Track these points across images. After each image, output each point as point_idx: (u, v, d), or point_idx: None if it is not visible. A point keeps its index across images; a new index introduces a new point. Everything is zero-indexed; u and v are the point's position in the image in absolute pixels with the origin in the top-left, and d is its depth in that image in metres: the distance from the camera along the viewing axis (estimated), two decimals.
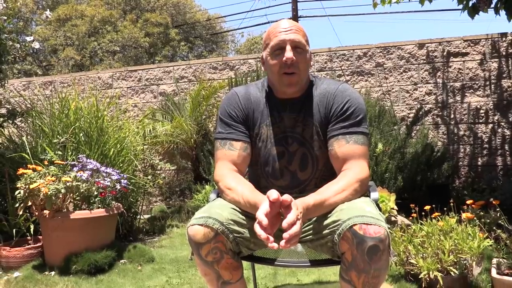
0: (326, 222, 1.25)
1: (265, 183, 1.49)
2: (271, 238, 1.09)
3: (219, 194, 1.43)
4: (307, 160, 1.43)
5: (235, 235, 1.27)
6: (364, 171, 1.33)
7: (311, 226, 1.34)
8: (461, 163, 4.39)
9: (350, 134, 1.36)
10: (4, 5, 3.10)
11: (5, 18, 3.17)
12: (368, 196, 1.41)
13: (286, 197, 1.13)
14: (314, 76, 1.50)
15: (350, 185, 1.28)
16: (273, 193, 1.14)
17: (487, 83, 4.32)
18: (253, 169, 1.51)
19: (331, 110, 1.40)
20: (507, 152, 4.27)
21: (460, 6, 3.10)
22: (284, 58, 1.34)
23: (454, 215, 2.32)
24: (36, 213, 2.60)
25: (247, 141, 1.44)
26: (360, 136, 1.36)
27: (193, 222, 1.25)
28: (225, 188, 1.36)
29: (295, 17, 12.51)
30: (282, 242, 1.08)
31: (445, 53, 4.42)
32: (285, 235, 1.08)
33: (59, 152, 3.03)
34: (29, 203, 2.56)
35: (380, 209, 1.35)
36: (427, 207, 2.40)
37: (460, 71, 4.39)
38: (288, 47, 1.34)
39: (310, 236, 1.34)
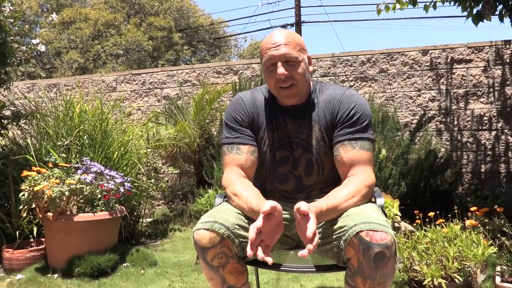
0: (332, 227, 1.25)
1: (271, 187, 1.49)
2: (260, 254, 1.09)
3: (227, 199, 1.43)
4: (313, 165, 1.43)
5: (241, 239, 1.27)
6: (371, 177, 1.33)
7: (318, 231, 1.34)
8: (464, 169, 4.39)
9: (356, 140, 1.36)
10: (11, 7, 3.13)
11: (12, 20, 3.19)
12: (374, 202, 1.41)
13: (304, 206, 1.11)
14: (318, 81, 1.50)
15: (359, 190, 1.28)
16: (266, 206, 1.12)
17: (491, 90, 4.32)
18: (258, 173, 1.51)
19: (337, 115, 1.40)
20: (511, 159, 4.26)
21: (465, 13, 3.11)
22: (277, 75, 1.34)
23: (458, 222, 2.32)
24: (40, 216, 2.61)
25: (254, 145, 1.44)
26: (366, 142, 1.36)
27: (198, 226, 1.25)
28: (232, 194, 1.36)
29: (298, 23, 12.54)
30: (304, 252, 1.06)
31: (448, 60, 4.43)
32: (309, 246, 1.06)
33: (63, 155, 3.04)
34: (33, 205, 2.56)
35: (386, 215, 1.35)
36: (431, 214, 2.39)
37: (464, 77, 4.39)
38: (279, 64, 1.34)
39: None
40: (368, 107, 1.42)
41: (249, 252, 1.08)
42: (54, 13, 3.82)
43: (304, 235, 1.09)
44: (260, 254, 1.09)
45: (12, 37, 3.30)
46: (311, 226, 1.08)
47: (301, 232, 1.13)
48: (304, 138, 1.43)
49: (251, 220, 1.31)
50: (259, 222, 1.11)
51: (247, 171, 1.42)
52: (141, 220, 3.71)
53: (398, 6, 3.38)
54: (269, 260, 1.10)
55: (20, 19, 3.40)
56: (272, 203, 1.13)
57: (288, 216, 1.40)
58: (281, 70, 1.34)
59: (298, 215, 1.13)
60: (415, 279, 2.10)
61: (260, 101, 1.48)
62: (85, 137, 3.23)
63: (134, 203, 3.47)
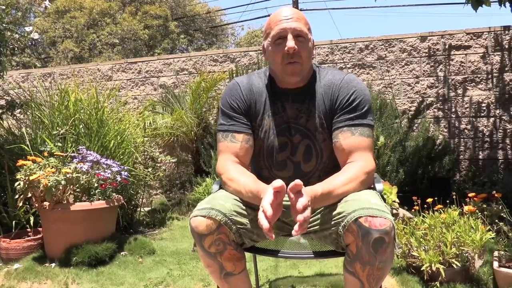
0: (331, 213, 1.24)
1: (268, 174, 1.47)
2: (273, 230, 1.09)
3: (222, 186, 1.42)
4: (311, 152, 1.41)
5: (238, 226, 1.26)
6: (370, 164, 1.31)
7: (316, 217, 1.33)
8: (462, 156, 4.38)
9: (355, 126, 1.34)
10: None
11: (4, 7, 3.13)
12: (373, 188, 1.39)
13: (298, 181, 1.11)
14: (318, 66, 1.47)
15: (357, 176, 1.27)
16: (277, 182, 1.12)
17: (489, 76, 4.29)
18: (256, 160, 1.49)
19: (336, 101, 1.37)
20: (508, 146, 4.26)
21: None
22: (286, 48, 1.30)
23: (456, 208, 2.31)
24: (36, 205, 2.59)
25: (250, 133, 1.42)
26: (365, 128, 1.34)
27: (195, 213, 1.23)
28: (227, 179, 1.34)
29: None
30: (296, 226, 1.07)
31: (447, 46, 4.39)
32: (299, 217, 1.06)
33: (59, 144, 3.02)
34: (29, 195, 2.55)
35: (384, 200, 1.34)
36: (429, 200, 2.39)
37: (462, 64, 4.36)
38: (290, 36, 1.31)
39: (315, 228, 1.33)
40: (368, 92, 1.39)
41: (265, 225, 1.07)
42: (47, 0, 3.75)
43: (295, 210, 1.09)
44: (268, 227, 1.08)
45: (4, 25, 3.24)
46: (302, 200, 1.09)
47: (294, 210, 1.12)
48: (303, 124, 1.40)
49: (248, 206, 1.30)
50: (271, 197, 1.11)
51: (242, 158, 1.40)
52: (139, 209, 3.70)
53: None
54: (274, 236, 1.10)
55: (13, 7, 3.33)
56: (281, 181, 1.13)
57: (286, 203, 1.38)
58: (291, 43, 1.30)
59: (292, 193, 1.12)
60: (413, 264, 2.11)
61: (257, 86, 1.44)
62: (81, 126, 3.20)
63: (132, 192, 3.46)
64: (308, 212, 1.08)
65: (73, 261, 2.48)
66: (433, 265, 1.96)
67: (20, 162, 2.58)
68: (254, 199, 1.24)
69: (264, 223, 1.08)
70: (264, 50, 1.41)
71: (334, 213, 1.22)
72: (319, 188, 1.20)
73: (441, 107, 4.42)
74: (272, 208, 1.10)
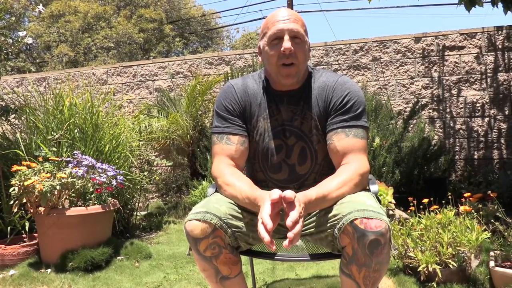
0: (326, 216, 1.24)
1: (263, 176, 1.47)
2: (274, 242, 1.09)
3: (217, 189, 1.41)
4: (306, 154, 1.41)
5: (234, 229, 1.25)
6: (364, 165, 1.31)
7: (312, 219, 1.33)
8: (457, 156, 4.40)
9: (349, 128, 1.34)
10: None
11: None
12: (368, 189, 1.39)
13: (290, 193, 1.11)
14: (313, 68, 1.47)
15: (351, 179, 1.27)
16: (274, 194, 1.12)
17: (483, 76, 4.32)
18: (251, 162, 1.49)
19: (330, 103, 1.37)
20: (503, 146, 4.28)
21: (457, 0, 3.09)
22: (282, 49, 1.30)
23: (451, 208, 2.32)
24: (31, 210, 2.57)
25: (245, 135, 1.42)
26: (360, 130, 1.34)
27: (190, 217, 1.23)
28: (223, 183, 1.34)
29: None
30: (286, 242, 1.06)
31: (441, 47, 4.42)
32: (289, 234, 1.06)
33: (54, 149, 3.00)
34: (24, 200, 2.53)
35: (380, 202, 1.34)
36: (425, 201, 2.39)
37: (456, 64, 4.38)
38: (287, 37, 1.31)
39: (311, 230, 1.33)
40: (362, 94, 1.39)
41: (267, 238, 1.07)
42: (41, 4, 3.73)
43: (287, 224, 1.09)
44: (269, 240, 1.08)
45: None
46: (292, 215, 1.08)
47: (286, 220, 1.11)
48: (297, 126, 1.40)
49: (244, 209, 1.29)
50: (269, 208, 1.11)
51: (237, 161, 1.39)
52: (135, 213, 3.69)
53: None
54: (275, 248, 1.10)
55: (7, 12, 3.32)
56: (279, 192, 1.12)
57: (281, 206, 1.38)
58: (287, 44, 1.30)
59: (284, 203, 1.12)
60: (410, 265, 2.11)
61: (252, 89, 1.44)
62: (76, 131, 3.19)
63: (128, 196, 3.44)
64: (298, 227, 1.08)
65: (69, 267, 2.47)
66: (429, 265, 1.97)
67: (15, 167, 2.56)
68: (250, 205, 1.24)
69: (265, 236, 1.07)
70: (260, 50, 1.41)
71: (330, 215, 1.22)
72: (313, 193, 1.20)
73: (436, 107, 4.44)
74: (271, 219, 1.10)
